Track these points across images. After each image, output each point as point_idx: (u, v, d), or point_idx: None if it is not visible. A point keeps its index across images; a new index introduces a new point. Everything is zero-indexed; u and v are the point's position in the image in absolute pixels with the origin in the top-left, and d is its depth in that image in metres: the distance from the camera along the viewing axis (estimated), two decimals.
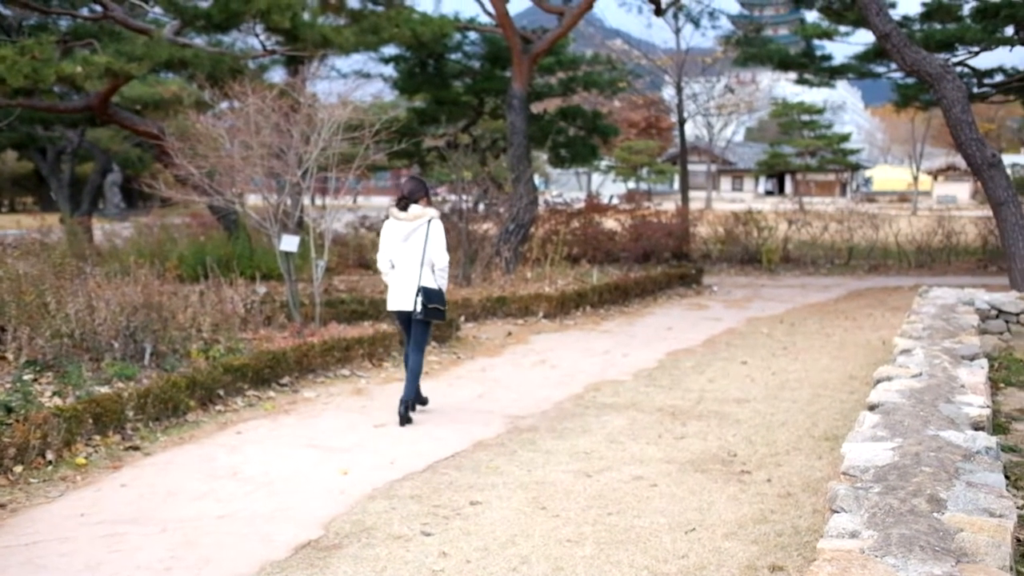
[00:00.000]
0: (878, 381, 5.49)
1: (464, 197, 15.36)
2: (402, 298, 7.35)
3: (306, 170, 10.21)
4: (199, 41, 14.62)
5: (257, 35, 14.06)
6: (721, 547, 4.76)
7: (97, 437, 6.48)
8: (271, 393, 8.16)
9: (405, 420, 7.29)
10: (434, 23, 14.55)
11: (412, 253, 7.30)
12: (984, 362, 6.39)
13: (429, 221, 7.30)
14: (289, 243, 10.23)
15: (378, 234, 18.60)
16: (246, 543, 4.88)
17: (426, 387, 8.51)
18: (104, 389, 7.18)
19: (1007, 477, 5.33)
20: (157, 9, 14.13)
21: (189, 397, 7.33)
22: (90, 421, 6.44)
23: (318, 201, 17.69)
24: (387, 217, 7.55)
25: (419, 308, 7.22)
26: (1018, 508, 4.80)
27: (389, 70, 21.77)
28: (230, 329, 9.31)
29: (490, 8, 17.20)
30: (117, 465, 6.16)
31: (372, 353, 9.50)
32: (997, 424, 6.61)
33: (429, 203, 7.54)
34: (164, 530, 5.04)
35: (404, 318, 7.47)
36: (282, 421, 7.37)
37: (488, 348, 10.61)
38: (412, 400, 7.44)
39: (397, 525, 5.11)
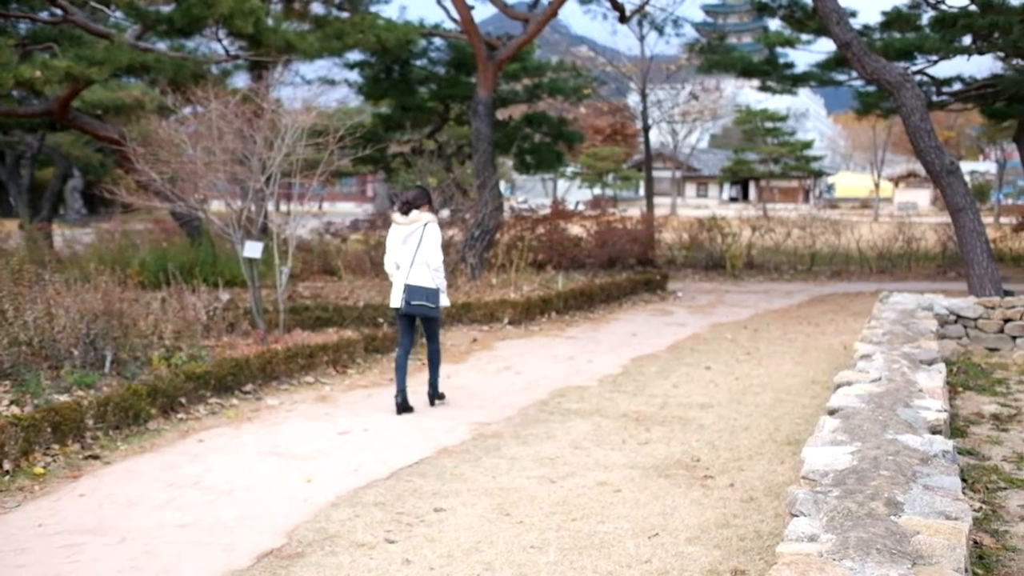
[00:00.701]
0: (838, 386, 5.55)
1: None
2: (395, 295, 7.88)
3: (269, 176, 10.16)
4: (161, 46, 14.50)
5: (220, 40, 13.97)
6: (684, 552, 4.78)
7: (56, 446, 6.39)
8: (234, 401, 8.09)
9: (434, 399, 8.10)
10: (399, 29, 14.54)
11: (407, 254, 7.82)
12: (942, 367, 6.48)
13: (425, 224, 7.82)
14: (253, 249, 10.16)
15: (343, 240, 18.60)
16: (208, 552, 4.83)
17: (391, 394, 8.48)
18: (63, 397, 7.09)
19: (964, 480, 5.41)
20: (118, 13, 14.00)
21: (150, 405, 7.25)
22: (48, 430, 6.35)
23: (283, 207, 17.60)
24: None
25: (402, 304, 7.75)
26: (975, 511, 4.87)
27: (354, 76, 21.73)
28: (192, 336, 9.24)
29: (455, 15, 17.21)
30: (76, 474, 6.08)
31: (336, 360, 9.46)
32: (955, 428, 6.70)
33: (431, 209, 8.05)
34: (124, 540, 4.99)
35: (403, 317, 7.99)
36: (245, 429, 7.31)
37: (453, 355, 10.59)
38: (431, 389, 8.13)
39: (361, 533, 5.09)
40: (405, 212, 7.89)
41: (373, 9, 18.69)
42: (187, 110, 13.26)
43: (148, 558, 4.75)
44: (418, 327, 8.30)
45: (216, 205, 12.45)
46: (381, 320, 11.24)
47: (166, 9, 12.74)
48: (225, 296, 11.58)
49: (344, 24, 14.06)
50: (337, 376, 9.26)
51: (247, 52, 13.79)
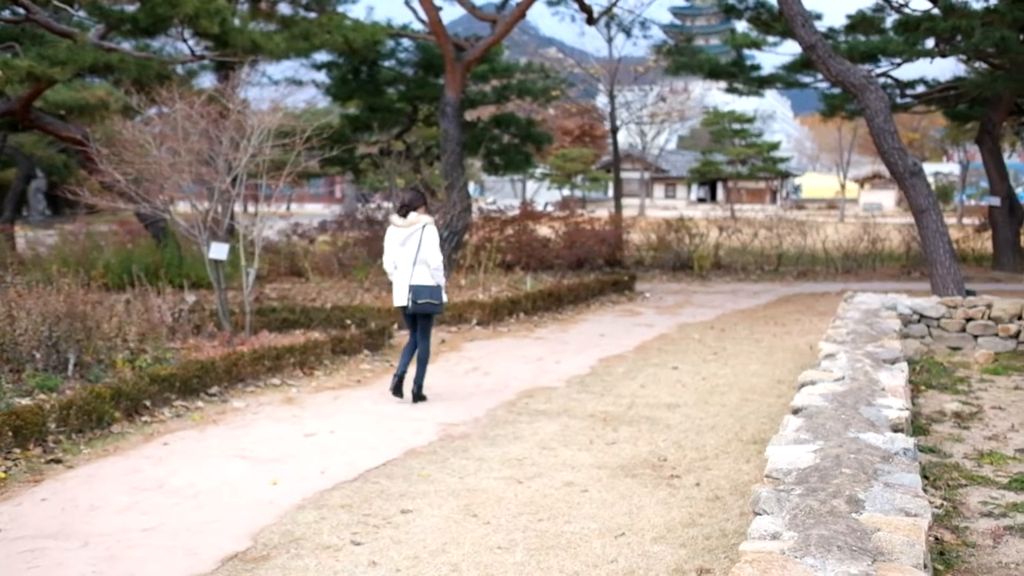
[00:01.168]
0: (802, 385, 5.60)
1: (397, 204, 15.31)
2: (400, 295, 8.32)
3: (236, 177, 10.09)
4: (126, 45, 14.36)
5: (185, 40, 13.84)
6: (650, 551, 4.80)
7: (17, 450, 6.32)
8: (199, 403, 8.03)
9: (418, 398, 8.32)
10: (366, 30, 14.48)
11: (408, 255, 8.23)
12: (904, 366, 6.56)
13: (423, 227, 8.21)
14: (218, 251, 10.10)
15: (311, 242, 18.49)
16: (171, 557, 4.79)
17: (358, 396, 8.49)
18: (25, 401, 7.01)
19: (926, 477, 5.48)
20: (81, 12, 13.83)
21: (114, 408, 7.17)
22: (10, 434, 6.27)
23: (250, 208, 17.49)
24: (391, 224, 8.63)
25: (410, 304, 8.18)
26: (936, 508, 4.93)
27: (322, 77, 21.60)
28: (157, 338, 9.16)
29: (423, 15, 17.18)
30: (38, 479, 6.00)
31: (303, 362, 9.41)
32: (918, 426, 6.78)
33: (427, 211, 8.51)
34: (86, 545, 4.93)
35: (405, 312, 8.39)
36: (210, 431, 7.26)
37: None
38: (416, 388, 8.36)
39: (327, 535, 5.07)
40: (403, 215, 8.33)
41: (340, 9, 18.57)
42: (153, 111, 13.16)
43: (111, 563, 4.70)
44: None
45: (183, 206, 12.36)
46: (349, 322, 11.19)
47: (130, 8, 12.61)
48: (191, 298, 11.51)
49: (311, 24, 13.98)
50: (304, 378, 9.21)
51: (213, 52, 13.68)
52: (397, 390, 8.30)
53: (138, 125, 11.78)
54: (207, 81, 18.26)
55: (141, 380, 7.58)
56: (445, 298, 8.50)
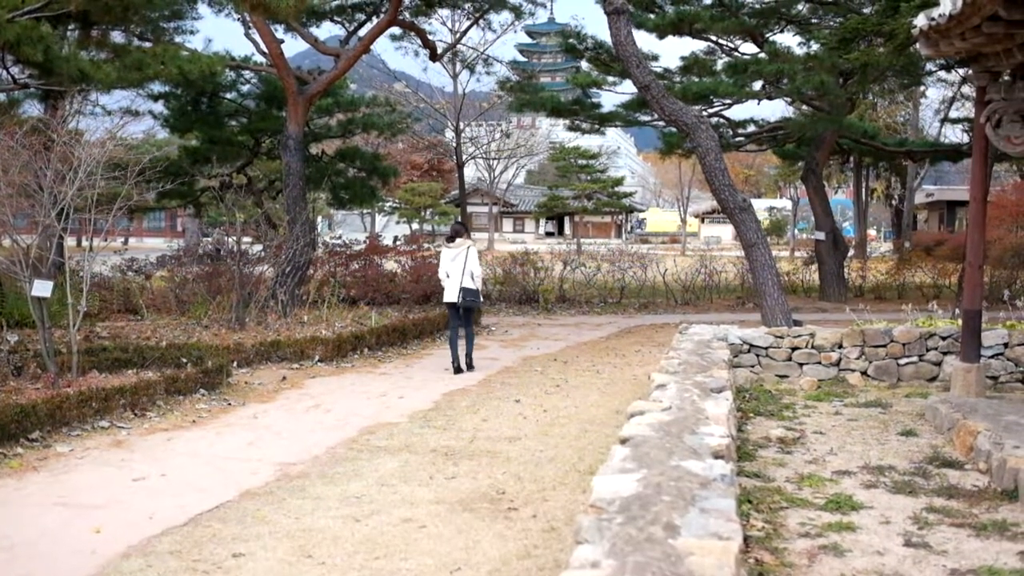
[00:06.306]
0: (632, 415, 5.73)
1: (236, 238, 14.97)
2: (451, 294, 11.91)
3: (62, 210, 9.66)
4: None
5: (7, 67, 13.20)
6: None
7: None
8: (19, 449, 7.60)
9: (471, 367, 12.13)
10: (203, 61, 14.16)
11: (457, 268, 11.89)
12: (729, 394, 6.81)
13: (468, 248, 12.00)
14: (42, 288, 9.62)
15: (147, 277, 17.87)
16: None
17: (193, 436, 8.25)
18: None
19: (750, 501, 5.71)
20: None
21: None
22: None
23: (84, 242, 16.76)
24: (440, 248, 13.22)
25: (461, 300, 11.85)
26: (757, 531, 5.15)
27: (160, 107, 20.99)
28: None
29: (265, 48, 16.97)
30: None
31: (135, 403, 9.03)
32: (745, 452, 7.06)
33: (468, 236, 12.34)
34: None
35: (454, 308, 12.02)
36: (29, 479, 6.88)
37: (261, 394, 10.34)
38: (468, 360, 12.09)
39: None
40: (451, 240, 12.15)
41: (179, 40, 18.14)
42: None
43: None
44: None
45: (8, 242, 11.76)
46: (185, 360, 10.84)
47: None
48: (13, 338, 10.91)
49: (144, 54, 13.55)
50: (135, 420, 8.85)
51: (38, 81, 13.09)
52: (458, 370, 11.82)
53: None
54: (35, 110, 17.47)
55: None
56: (482, 299, 12.30)
